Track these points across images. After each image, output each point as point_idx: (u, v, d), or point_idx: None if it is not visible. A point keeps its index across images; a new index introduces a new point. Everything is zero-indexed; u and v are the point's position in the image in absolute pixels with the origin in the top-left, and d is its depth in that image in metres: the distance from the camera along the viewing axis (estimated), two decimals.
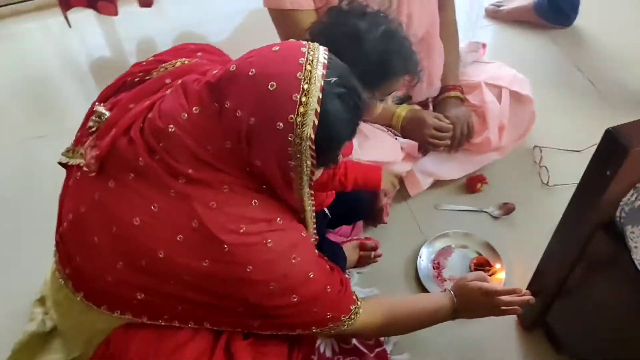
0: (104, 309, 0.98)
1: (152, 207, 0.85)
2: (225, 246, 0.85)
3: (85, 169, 0.89)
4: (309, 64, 0.81)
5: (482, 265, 1.38)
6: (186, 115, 0.84)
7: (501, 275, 1.37)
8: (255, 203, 0.87)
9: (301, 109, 0.79)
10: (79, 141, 0.99)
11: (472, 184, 1.55)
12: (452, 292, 1.15)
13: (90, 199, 0.90)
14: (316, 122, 0.80)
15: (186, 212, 0.84)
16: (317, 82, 0.80)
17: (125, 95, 0.92)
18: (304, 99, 0.79)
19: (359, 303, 1.05)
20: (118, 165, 0.87)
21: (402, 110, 1.48)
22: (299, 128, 0.79)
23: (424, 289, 1.36)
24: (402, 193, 1.54)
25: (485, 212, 1.51)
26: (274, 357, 1.10)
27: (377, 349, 1.26)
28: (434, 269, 1.39)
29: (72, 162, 0.94)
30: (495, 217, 1.50)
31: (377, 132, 1.47)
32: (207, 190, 0.85)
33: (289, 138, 0.80)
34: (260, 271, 0.88)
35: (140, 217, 0.86)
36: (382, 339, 1.28)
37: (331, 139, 0.85)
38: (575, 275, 1.07)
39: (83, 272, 0.96)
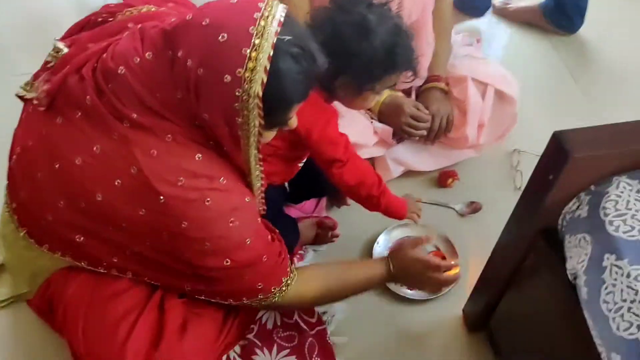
0: (45, 249, 0.99)
1: (95, 148, 0.85)
2: (161, 197, 0.84)
3: (36, 102, 0.88)
4: (264, 19, 0.79)
5: None
6: (138, 59, 0.83)
7: (456, 272, 1.35)
8: (198, 157, 0.86)
9: (250, 64, 0.77)
10: (37, 75, 0.99)
11: (443, 179, 1.54)
12: (389, 260, 1.16)
13: (38, 134, 0.90)
14: (265, 80, 0.78)
15: (126, 157, 0.84)
16: (270, 39, 0.78)
17: (85, 34, 0.92)
18: (253, 54, 0.77)
19: (291, 276, 1.05)
20: (67, 102, 0.86)
21: (382, 95, 1.46)
22: (246, 83, 0.78)
23: None
24: None
25: (452, 208, 1.50)
26: (207, 320, 1.11)
27: (318, 328, 1.26)
28: None
29: (28, 95, 0.93)
30: (461, 215, 1.49)
31: (352, 112, 1.43)
32: (149, 137, 0.84)
33: (236, 93, 0.78)
34: (196, 228, 0.87)
35: (82, 157, 0.86)
36: (324, 318, 1.27)
37: (280, 99, 0.83)
38: (516, 280, 1.06)
39: (27, 207, 0.97)
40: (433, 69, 1.50)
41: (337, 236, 1.39)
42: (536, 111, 1.70)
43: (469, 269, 1.37)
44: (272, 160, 1.15)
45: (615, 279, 0.74)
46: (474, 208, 1.48)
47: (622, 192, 0.79)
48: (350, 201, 1.45)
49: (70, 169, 0.86)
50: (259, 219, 0.98)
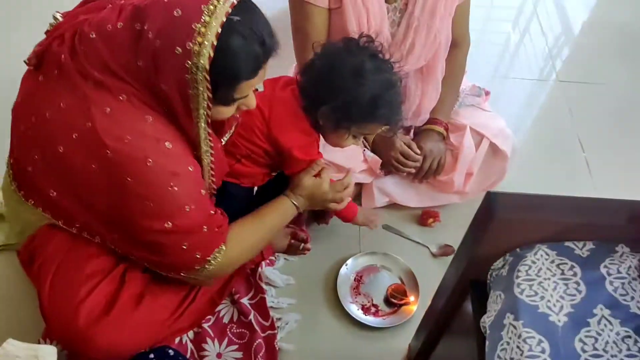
0: (30, 203, 1.10)
1: (61, 104, 0.94)
2: (108, 151, 0.92)
3: (27, 62, 0.99)
4: (218, 0, 0.87)
5: (398, 292, 1.42)
6: (111, 27, 0.92)
7: (413, 308, 1.41)
8: (148, 119, 0.94)
9: (199, 39, 0.86)
10: None
11: (425, 217, 1.59)
12: (289, 192, 1.25)
13: (26, 90, 1.01)
14: (212, 54, 0.86)
15: (84, 113, 0.93)
16: (220, 17, 0.87)
17: (80, 8, 1.03)
18: (202, 30, 0.85)
19: (222, 247, 1.09)
20: (50, 62, 0.96)
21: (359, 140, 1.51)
22: (195, 57, 0.86)
23: (336, 293, 1.41)
24: (357, 202, 1.59)
25: (426, 247, 1.54)
26: (163, 299, 1.19)
27: (269, 331, 1.33)
28: (355, 280, 1.45)
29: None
30: (434, 255, 1.53)
31: None
32: (107, 95, 0.92)
33: (186, 65, 0.87)
34: (139, 186, 0.95)
35: (50, 112, 0.95)
36: (277, 324, 1.35)
37: (227, 75, 0.91)
38: (451, 325, 1.10)
39: (16, 160, 1.07)
40: (435, 113, 1.56)
41: (308, 249, 1.47)
42: (533, 164, 1.73)
43: (426, 307, 1.42)
44: (246, 162, 1.25)
45: (510, 338, 0.79)
46: (446, 251, 1.52)
47: (538, 259, 0.84)
48: (329, 221, 1.53)
49: (42, 123, 0.96)
50: (203, 191, 1.04)
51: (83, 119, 0.93)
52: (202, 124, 0.95)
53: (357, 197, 1.60)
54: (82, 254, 1.12)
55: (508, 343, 0.79)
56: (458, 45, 1.53)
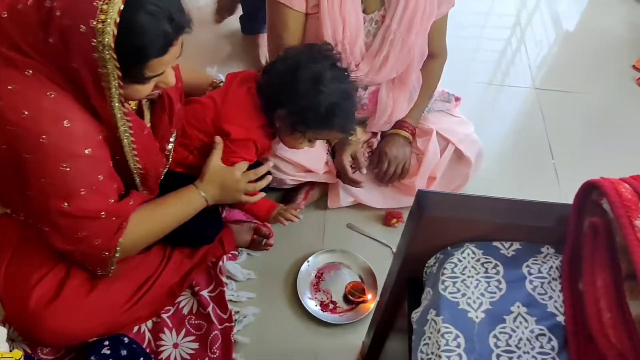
0: None
1: None
2: (8, 126, 0.93)
3: None
4: None
5: (356, 290, 1.44)
6: (21, 6, 0.91)
7: (370, 306, 1.43)
8: (50, 95, 0.93)
9: (101, 16, 0.85)
10: None
11: (389, 218, 1.61)
12: (200, 187, 1.23)
13: None
14: (115, 32, 0.86)
15: None
16: None
17: None
18: (105, 7, 0.85)
19: (120, 240, 1.08)
20: None
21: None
22: (99, 35, 0.86)
23: (296, 289, 1.44)
24: (323, 200, 1.63)
25: (389, 247, 1.57)
26: (119, 285, 1.21)
27: (226, 324, 1.36)
28: (315, 277, 1.47)
29: None
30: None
31: None
32: (13, 72, 0.92)
33: (92, 43, 0.86)
34: (35, 162, 0.95)
35: None
36: (235, 317, 1.38)
37: (134, 52, 0.91)
38: (395, 322, 1.13)
39: None
40: (405, 117, 1.57)
41: (270, 245, 1.49)
42: (502, 168, 1.76)
43: None
44: (198, 154, 1.28)
45: (431, 332, 0.81)
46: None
47: (464, 258, 0.86)
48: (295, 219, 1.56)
49: None
50: (100, 177, 1.02)
51: None
52: (116, 103, 0.95)
53: (323, 197, 1.63)
54: (34, 242, 1.15)
55: (429, 338, 0.81)
56: (435, 57, 1.55)
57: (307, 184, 1.59)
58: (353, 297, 1.43)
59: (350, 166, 1.49)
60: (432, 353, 0.79)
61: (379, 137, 1.62)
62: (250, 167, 1.29)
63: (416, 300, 0.96)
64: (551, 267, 0.84)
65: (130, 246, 1.12)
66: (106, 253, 1.08)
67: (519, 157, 1.88)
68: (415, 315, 0.89)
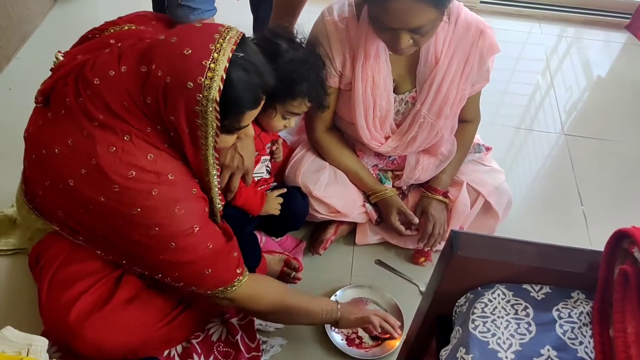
0: (38, 214, 1.19)
1: (69, 141, 1.03)
2: (116, 186, 1.01)
3: (35, 100, 1.10)
4: (222, 39, 0.98)
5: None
6: (113, 72, 1.01)
7: (396, 343, 1.44)
8: (150, 157, 1.02)
9: (209, 74, 0.95)
10: None
11: (417, 256, 1.63)
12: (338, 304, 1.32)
13: (37, 124, 1.10)
14: (221, 87, 0.96)
15: (90, 151, 1.01)
16: (226, 54, 0.97)
17: (77, 48, 1.13)
18: (212, 66, 0.96)
19: (240, 278, 1.17)
20: (56, 102, 1.06)
21: (383, 191, 1.57)
22: (205, 90, 0.96)
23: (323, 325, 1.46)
24: (352, 235, 1.66)
25: (416, 284, 1.59)
26: (153, 305, 1.25)
27: (254, 353, 1.39)
28: None
29: None
30: (422, 293, 1.57)
31: (349, 185, 1.57)
32: (111, 135, 1.01)
33: (197, 97, 0.96)
34: (145, 215, 1.03)
35: (59, 148, 1.04)
36: (262, 347, 1.40)
37: (233, 104, 1.00)
38: (422, 358, 1.14)
39: (28, 181, 1.17)
40: (435, 182, 1.59)
41: (299, 279, 1.52)
42: (530, 215, 1.77)
43: None
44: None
45: None
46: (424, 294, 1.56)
47: (494, 298, 0.88)
48: (322, 252, 1.59)
49: (52, 156, 1.05)
50: (207, 209, 1.12)
51: (89, 156, 1.01)
52: (211, 150, 1.04)
53: (352, 233, 1.66)
54: (80, 257, 1.21)
55: None
56: (468, 122, 1.59)
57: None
58: (380, 333, 1.44)
59: (400, 222, 1.54)
60: None
61: (409, 199, 1.64)
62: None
63: (445, 338, 0.98)
64: (581, 312, 0.85)
65: (242, 295, 1.20)
66: (221, 287, 1.16)
67: (547, 201, 1.89)
68: (444, 353, 0.91)
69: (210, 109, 0.97)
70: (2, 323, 1.36)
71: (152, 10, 1.81)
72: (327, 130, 1.54)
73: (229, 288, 1.17)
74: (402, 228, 1.55)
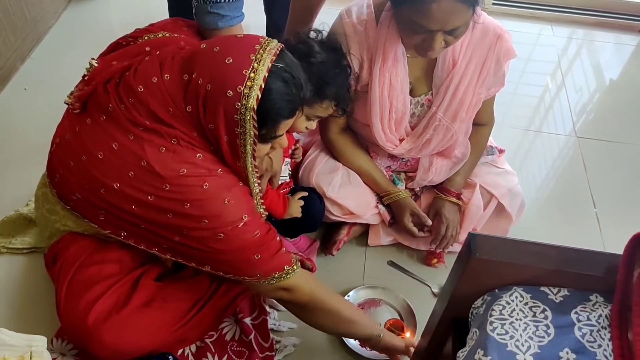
0: (76, 215, 1.18)
1: (114, 145, 1.05)
2: (167, 185, 1.03)
3: (70, 106, 1.11)
4: (262, 49, 1.00)
5: (395, 327, 1.46)
6: (156, 79, 1.02)
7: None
8: (199, 156, 1.05)
9: (249, 83, 0.97)
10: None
11: (430, 258, 1.63)
12: (381, 330, 1.33)
13: (73, 130, 1.11)
14: (259, 96, 0.98)
15: (138, 153, 1.03)
16: (265, 64, 0.98)
17: (112, 55, 1.14)
18: (252, 75, 0.97)
19: (294, 267, 1.17)
20: (95, 108, 1.08)
21: (397, 192, 1.57)
22: (244, 98, 0.97)
23: None
24: (365, 236, 1.66)
25: (428, 285, 1.59)
26: (170, 308, 1.26)
27: (267, 352, 1.39)
28: None
29: (67, 101, 1.14)
30: (435, 295, 1.57)
31: (363, 186, 1.57)
32: (158, 138, 1.03)
33: (236, 106, 0.98)
34: (196, 208, 1.04)
35: (103, 152, 1.06)
36: (276, 347, 1.41)
37: (271, 113, 1.02)
38: None
39: (61, 187, 1.17)
40: (449, 184, 1.59)
41: None
42: (543, 216, 1.77)
43: None
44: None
45: None
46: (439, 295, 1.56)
47: (512, 300, 0.88)
48: (335, 253, 1.60)
49: (94, 162, 1.06)
50: (254, 202, 1.13)
51: (137, 158, 1.03)
52: (250, 158, 1.06)
53: (364, 234, 1.67)
54: (99, 259, 1.22)
55: None
56: (483, 125, 1.60)
57: None
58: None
59: (413, 224, 1.55)
60: None
61: (422, 201, 1.64)
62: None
63: (461, 340, 0.99)
64: (600, 315, 0.85)
65: (301, 284, 1.20)
66: (276, 273, 1.15)
67: (559, 203, 1.89)
68: (461, 354, 0.91)
69: (248, 117, 0.98)
70: (17, 321, 1.40)
71: (167, 12, 1.82)
72: (341, 131, 1.55)
73: (284, 275, 1.16)
74: (415, 229, 1.56)
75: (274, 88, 1.00)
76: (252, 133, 1.01)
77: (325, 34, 1.37)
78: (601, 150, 2.09)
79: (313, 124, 1.38)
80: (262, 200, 1.19)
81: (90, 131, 1.08)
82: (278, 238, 1.16)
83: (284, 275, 1.16)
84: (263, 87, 0.97)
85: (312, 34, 1.34)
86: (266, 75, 0.98)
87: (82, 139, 1.09)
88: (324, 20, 1.47)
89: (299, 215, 1.45)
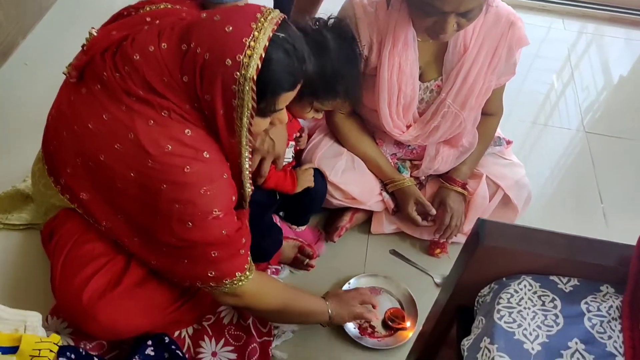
0: (66, 198, 1.16)
1: (104, 116, 1.02)
2: (150, 161, 0.99)
3: (67, 75, 1.08)
4: (264, 18, 0.96)
5: (396, 316, 1.43)
6: (153, 48, 0.99)
7: (409, 334, 1.42)
8: (187, 132, 1.01)
9: (248, 52, 0.93)
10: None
11: (433, 247, 1.61)
12: (327, 303, 1.31)
13: (68, 100, 1.08)
14: (259, 66, 0.94)
15: (127, 125, 1.00)
16: (267, 33, 0.95)
17: (112, 25, 1.11)
18: (252, 44, 0.93)
19: (247, 273, 1.14)
20: (91, 77, 1.05)
21: (401, 180, 1.54)
22: (244, 68, 0.93)
23: None
24: (367, 224, 1.64)
25: (430, 276, 1.56)
26: (164, 288, 1.23)
27: (265, 337, 1.37)
28: None
29: (65, 71, 1.11)
30: (437, 285, 1.55)
31: (367, 173, 1.55)
32: (149, 110, 1.00)
33: (235, 75, 0.94)
34: (171, 191, 1.01)
35: (93, 123, 1.03)
36: (274, 332, 1.39)
37: (270, 85, 0.98)
38: (439, 351, 1.12)
39: (53, 159, 1.15)
40: (455, 173, 1.57)
41: (312, 266, 1.50)
42: (549, 208, 1.74)
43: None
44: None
45: None
46: (444, 284, 1.54)
47: (521, 289, 0.86)
48: (336, 239, 1.57)
49: (85, 132, 1.03)
50: (234, 198, 1.09)
51: (126, 130, 1.00)
52: (245, 132, 1.02)
53: (367, 222, 1.64)
54: (94, 236, 1.19)
55: None
56: (492, 115, 1.57)
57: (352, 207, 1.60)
58: (393, 323, 1.42)
59: (417, 213, 1.52)
60: None
61: (427, 189, 1.62)
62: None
63: (465, 328, 0.96)
64: (611, 306, 0.83)
65: (249, 290, 1.16)
66: (217, 283, 1.12)
67: (565, 198, 1.86)
68: (466, 342, 0.88)
69: (247, 88, 0.95)
70: (13, 298, 1.38)
71: None
72: (347, 115, 1.52)
73: (235, 282, 1.13)
74: (418, 218, 1.53)
75: (275, 58, 0.96)
76: (249, 105, 0.97)
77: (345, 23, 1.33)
78: (610, 146, 2.05)
79: (320, 114, 1.36)
80: (250, 176, 1.14)
81: (84, 101, 1.05)
82: (244, 240, 1.12)
83: (235, 282, 1.13)
84: (263, 56, 0.94)
85: (323, 20, 1.30)
86: (267, 44, 0.94)
87: (76, 109, 1.06)
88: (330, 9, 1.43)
89: (312, 184, 1.43)
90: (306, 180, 1.42)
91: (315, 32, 1.25)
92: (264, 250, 1.38)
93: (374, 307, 1.39)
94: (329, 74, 1.21)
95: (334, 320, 1.32)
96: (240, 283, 1.14)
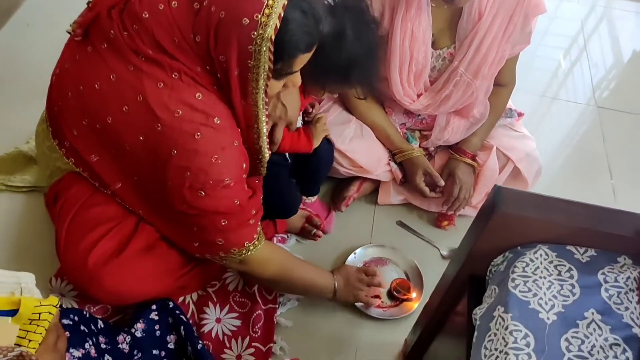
0: (71, 162, 1.14)
1: (111, 77, 0.99)
2: (159, 125, 0.96)
3: (72, 33, 1.04)
4: None
5: (402, 287, 1.42)
6: (163, 6, 0.95)
7: (414, 305, 1.41)
8: (198, 96, 0.97)
9: (267, 11, 0.89)
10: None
11: (440, 219, 1.59)
12: (335, 275, 1.31)
13: (73, 59, 1.05)
14: (278, 25, 0.90)
15: (135, 87, 0.97)
16: None
17: None
18: (270, 2, 0.89)
19: (255, 243, 1.13)
20: (97, 35, 1.01)
21: (410, 150, 1.52)
22: (261, 27, 0.90)
23: None
24: (374, 194, 1.62)
25: (437, 248, 1.55)
26: (172, 253, 1.21)
27: (270, 305, 1.36)
28: None
29: (69, 29, 1.07)
30: (443, 257, 1.53)
31: (375, 141, 1.52)
32: (159, 71, 0.96)
33: (252, 35, 0.90)
34: (182, 158, 0.98)
35: (100, 83, 1.00)
36: (279, 300, 1.38)
37: (289, 45, 0.95)
38: (447, 322, 1.11)
39: (58, 121, 1.12)
40: (465, 144, 1.53)
41: (319, 236, 1.49)
42: (558, 191, 1.71)
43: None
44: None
45: (497, 329, 0.79)
46: (454, 254, 1.52)
47: (537, 258, 0.84)
48: (344, 209, 1.56)
49: (91, 92, 1.00)
50: (244, 166, 1.06)
51: (134, 92, 0.96)
52: (261, 94, 0.98)
53: (374, 192, 1.62)
54: (100, 200, 1.16)
55: (495, 334, 0.80)
56: (504, 86, 1.53)
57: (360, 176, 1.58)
58: (398, 293, 1.41)
59: (426, 184, 1.50)
60: (497, 349, 0.78)
61: (436, 160, 1.59)
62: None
63: (476, 298, 0.95)
64: (628, 277, 0.81)
65: (257, 259, 1.15)
66: (235, 249, 1.11)
67: (574, 172, 1.84)
68: (478, 311, 0.87)
69: (265, 48, 0.91)
70: (16, 261, 1.36)
71: None
72: None
73: (244, 251, 1.12)
74: (426, 190, 1.51)
75: (293, 18, 0.92)
76: (266, 67, 0.93)
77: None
78: (621, 121, 2.02)
79: (333, 96, 1.34)
80: (267, 140, 1.11)
81: (90, 59, 1.02)
82: (254, 211, 1.11)
83: (244, 251, 1.12)
84: (282, 15, 0.90)
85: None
86: (285, 3, 0.90)
87: (81, 68, 1.03)
88: None
89: (328, 132, 1.40)
90: (322, 129, 1.37)
91: (336, 18, 1.17)
92: (286, 206, 1.37)
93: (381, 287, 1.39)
94: (343, 65, 1.17)
95: (338, 298, 1.32)
96: (249, 252, 1.13)
